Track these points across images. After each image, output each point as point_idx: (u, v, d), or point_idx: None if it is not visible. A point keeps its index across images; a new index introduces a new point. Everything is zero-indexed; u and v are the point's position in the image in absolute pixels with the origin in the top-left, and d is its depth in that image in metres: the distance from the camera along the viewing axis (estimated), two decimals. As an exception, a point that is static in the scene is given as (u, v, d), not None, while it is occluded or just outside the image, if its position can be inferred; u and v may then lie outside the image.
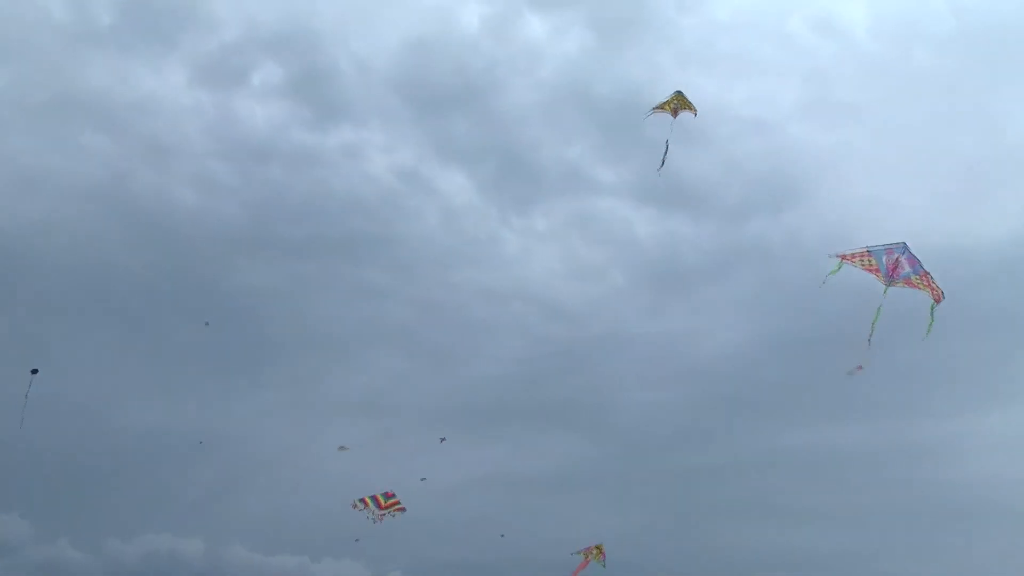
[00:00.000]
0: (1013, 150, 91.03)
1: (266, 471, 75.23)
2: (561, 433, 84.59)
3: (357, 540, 65.03)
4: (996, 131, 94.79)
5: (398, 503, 37.61)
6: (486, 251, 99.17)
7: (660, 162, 29.66)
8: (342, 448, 52.06)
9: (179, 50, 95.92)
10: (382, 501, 37.43)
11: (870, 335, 20.61)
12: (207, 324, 60.74)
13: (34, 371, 24.22)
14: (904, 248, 20.76)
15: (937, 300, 20.57)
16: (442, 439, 50.93)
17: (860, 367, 21.16)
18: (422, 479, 41.30)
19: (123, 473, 72.46)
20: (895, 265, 20.71)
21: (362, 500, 37.64)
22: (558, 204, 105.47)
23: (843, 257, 20.74)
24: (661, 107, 29.35)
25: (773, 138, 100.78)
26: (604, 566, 37.12)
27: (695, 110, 29.34)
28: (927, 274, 20.64)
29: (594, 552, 37.01)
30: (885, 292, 20.56)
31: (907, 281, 20.76)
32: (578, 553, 37.09)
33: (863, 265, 20.84)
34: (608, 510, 70.90)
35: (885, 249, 20.83)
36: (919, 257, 20.62)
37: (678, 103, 29.11)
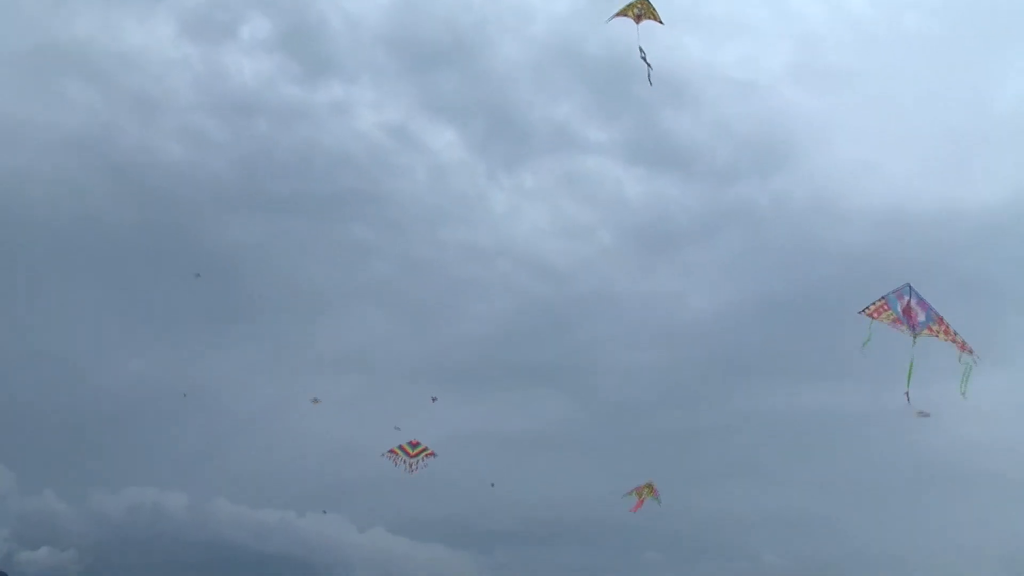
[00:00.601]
0: (1000, 116, 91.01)
1: (251, 426, 75.42)
2: (546, 392, 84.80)
3: (324, 512, 65.46)
4: (984, 97, 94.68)
5: (426, 449, 37.85)
6: (474, 209, 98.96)
7: (646, 69, 29.07)
8: (315, 400, 52.11)
9: (166, 2, 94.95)
10: (410, 450, 37.67)
11: (907, 388, 20.76)
12: (198, 275, 60.49)
13: None
14: (909, 289, 20.91)
15: (962, 350, 20.77)
16: (433, 399, 50.91)
17: (925, 413, 21.43)
18: (396, 428, 41.42)
19: (109, 426, 72.51)
20: (908, 310, 20.86)
21: (391, 451, 37.88)
22: (547, 162, 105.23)
23: (869, 313, 20.83)
24: (623, 12, 28.65)
25: (763, 101, 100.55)
26: (660, 502, 37.18)
27: (660, 20, 28.57)
28: (941, 319, 20.83)
29: (645, 490, 37.00)
30: (914, 343, 20.69)
31: (929, 329, 20.93)
32: (630, 494, 37.07)
33: (888, 320, 20.96)
34: (591, 470, 71.19)
35: (896, 295, 20.98)
36: (926, 297, 20.81)
37: (641, 7, 28.29)
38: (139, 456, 71.51)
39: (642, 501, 36.90)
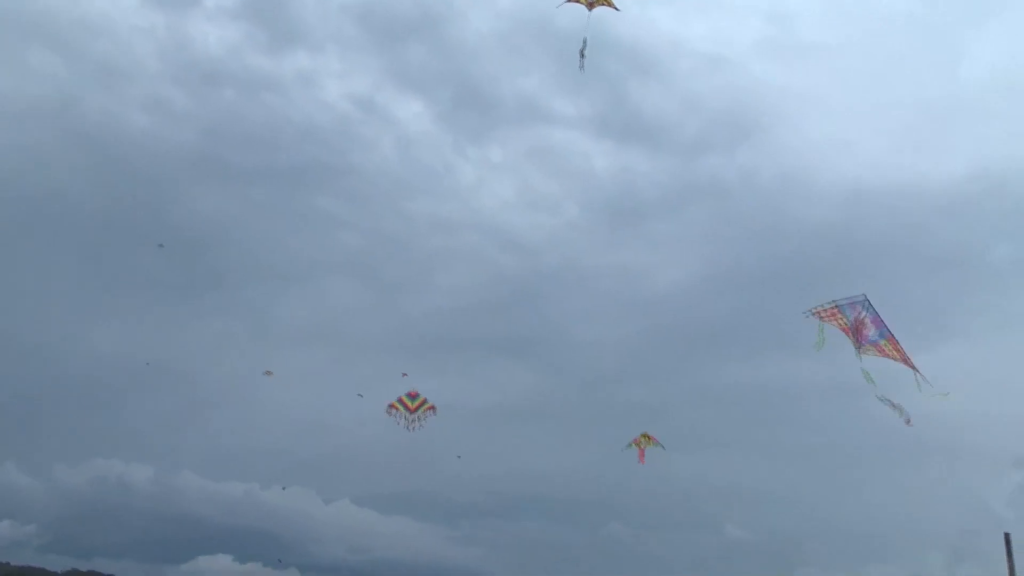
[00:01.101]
0: (967, 90, 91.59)
1: (217, 398, 74.99)
2: (513, 365, 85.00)
3: (283, 488, 65.28)
4: (951, 71, 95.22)
5: (425, 402, 37.08)
6: (441, 181, 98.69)
7: (580, 56, 28.57)
8: (268, 373, 51.68)
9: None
10: (409, 404, 36.90)
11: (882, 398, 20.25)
12: (161, 246, 60.07)
13: None
14: (865, 302, 20.33)
15: (910, 365, 20.28)
16: (404, 374, 50.62)
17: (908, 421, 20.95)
18: (359, 395, 41.09)
19: (72, 398, 71.87)
20: (861, 324, 20.32)
21: (391, 406, 36.99)
22: (514, 135, 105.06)
23: (818, 314, 20.28)
24: None
25: (732, 75, 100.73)
26: (664, 447, 37.30)
27: (615, 6, 28.04)
28: (893, 337, 20.33)
29: (643, 440, 37.03)
30: (860, 359, 20.19)
31: (877, 347, 20.33)
32: (630, 446, 37.08)
33: (838, 325, 20.45)
34: (558, 442, 71.49)
35: (849, 303, 20.43)
36: (881, 314, 20.28)
37: None
38: (104, 428, 71.03)
39: (643, 451, 37.06)
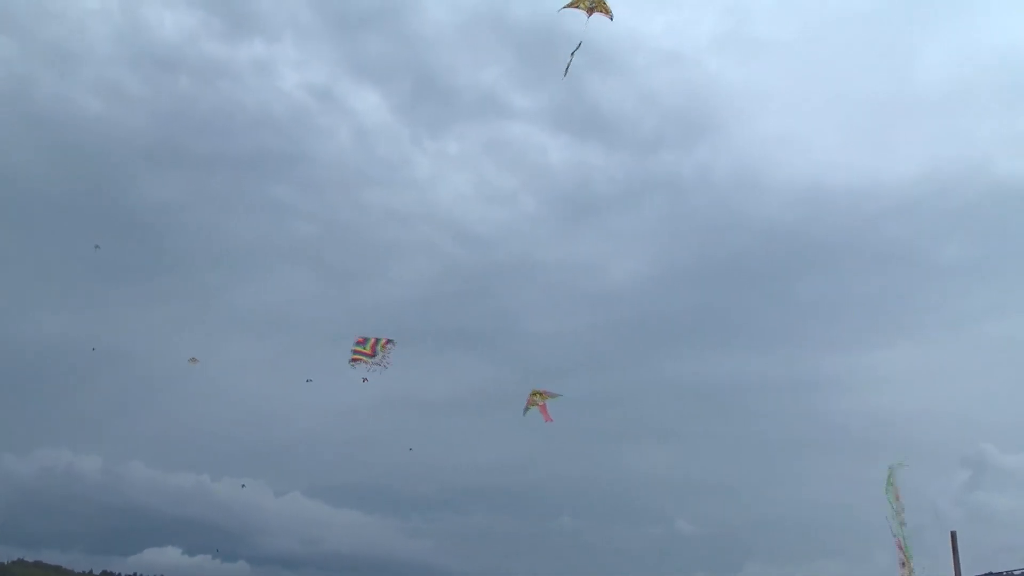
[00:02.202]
0: (920, 91, 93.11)
1: (167, 386, 74.38)
2: (467, 358, 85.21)
3: (243, 486, 65.24)
4: (905, 71, 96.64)
5: (378, 340, 36.21)
6: (397, 173, 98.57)
7: (566, 67, 28.61)
8: (192, 360, 51.42)
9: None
10: (365, 350, 36.11)
11: None
12: (97, 247, 59.86)
13: None
14: None
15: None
16: (364, 380, 50.43)
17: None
18: (308, 380, 41.21)
19: (18, 386, 70.97)
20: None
21: (352, 360, 36.48)
22: (471, 128, 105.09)
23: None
24: (575, 3, 28.21)
25: (688, 71, 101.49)
26: (560, 394, 37.04)
27: (611, 14, 28.18)
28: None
29: (537, 397, 36.62)
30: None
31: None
32: (528, 410, 36.63)
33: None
34: (510, 436, 71.79)
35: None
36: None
37: (594, 1, 27.95)
38: (51, 417, 70.24)
39: (544, 407, 36.77)
